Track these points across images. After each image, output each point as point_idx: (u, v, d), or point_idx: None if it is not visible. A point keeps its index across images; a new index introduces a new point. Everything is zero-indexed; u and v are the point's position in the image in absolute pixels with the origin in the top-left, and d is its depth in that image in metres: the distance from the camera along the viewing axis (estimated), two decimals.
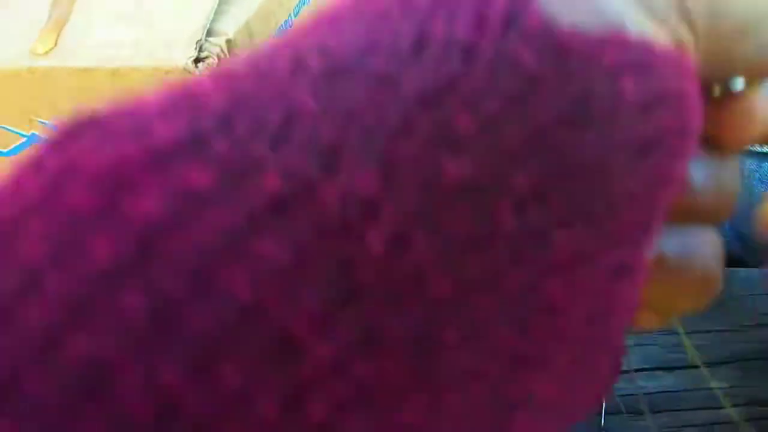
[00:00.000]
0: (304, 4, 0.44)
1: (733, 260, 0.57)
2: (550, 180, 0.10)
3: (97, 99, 0.41)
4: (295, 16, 0.43)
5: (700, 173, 0.16)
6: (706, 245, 0.17)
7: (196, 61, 0.36)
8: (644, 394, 0.52)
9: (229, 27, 0.37)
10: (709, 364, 0.53)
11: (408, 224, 0.09)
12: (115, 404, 0.09)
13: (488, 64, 0.10)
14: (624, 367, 0.57)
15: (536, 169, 0.10)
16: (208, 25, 0.36)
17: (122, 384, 0.09)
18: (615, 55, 0.10)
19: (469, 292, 0.10)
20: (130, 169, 0.10)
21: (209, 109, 0.11)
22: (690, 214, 0.16)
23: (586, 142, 0.10)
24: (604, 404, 0.51)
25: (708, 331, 0.55)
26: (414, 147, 0.09)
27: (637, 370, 0.54)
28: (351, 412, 0.09)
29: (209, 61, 0.36)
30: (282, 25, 0.41)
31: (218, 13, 0.37)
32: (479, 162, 0.10)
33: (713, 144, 0.16)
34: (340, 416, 0.09)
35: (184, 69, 0.35)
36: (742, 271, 0.61)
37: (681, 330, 0.57)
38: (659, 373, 0.54)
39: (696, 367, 0.54)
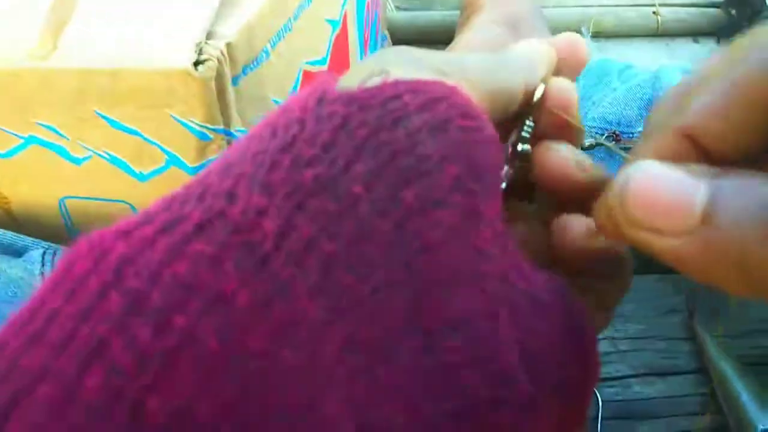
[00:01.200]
0: (304, 7, 0.44)
1: None
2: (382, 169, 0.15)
3: (97, 101, 0.40)
4: (295, 19, 0.43)
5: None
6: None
7: (196, 63, 0.36)
8: (640, 400, 0.52)
9: (230, 30, 0.37)
10: (703, 370, 0.54)
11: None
12: None
13: (314, 120, 0.16)
14: (619, 374, 0.57)
15: (371, 164, 0.15)
16: (208, 28, 0.36)
17: None
18: (393, 90, 0.16)
19: None
20: None
21: None
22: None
23: (396, 136, 0.15)
24: (600, 410, 0.51)
25: (709, 338, 0.55)
26: None
27: (632, 376, 0.54)
28: None
29: (209, 63, 0.36)
30: (282, 28, 0.41)
31: (219, 15, 0.37)
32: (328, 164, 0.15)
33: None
34: None
35: (185, 71, 0.35)
36: None
37: (677, 336, 0.57)
38: (654, 379, 0.54)
39: (691, 372, 0.54)
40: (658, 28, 0.85)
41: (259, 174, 0.14)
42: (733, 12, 0.86)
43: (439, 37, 0.79)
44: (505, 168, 0.21)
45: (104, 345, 0.12)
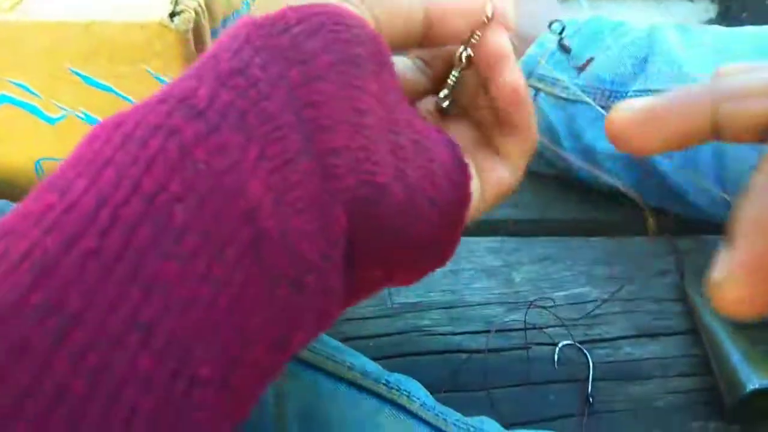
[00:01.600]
0: None
1: (721, 227, 0.57)
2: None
3: (69, 56, 0.39)
4: None
5: None
6: None
7: (172, 15, 0.34)
8: (630, 361, 0.52)
9: None
10: (694, 331, 0.53)
11: None
12: None
13: (228, 37, 0.23)
14: (610, 335, 0.57)
15: (266, 57, 0.22)
16: None
17: None
18: (281, 13, 0.23)
19: None
20: None
21: None
22: None
23: (281, 40, 0.23)
24: (591, 371, 0.51)
25: (700, 299, 0.55)
26: None
27: (623, 338, 0.54)
28: None
29: (186, 15, 0.34)
30: None
31: None
32: None
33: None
34: None
35: (160, 23, 0.34)
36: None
37: (669, 297, 0.57)
38: (645, 340, 0.54)
39: (682, 333, 0.54)
40: None
41: (193, 71, 0.22)
42: None
43: None
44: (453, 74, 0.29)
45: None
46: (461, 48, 0.28)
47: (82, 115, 0.39)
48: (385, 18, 0.26)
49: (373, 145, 0.23)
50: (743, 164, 0.49)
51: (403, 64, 0.31)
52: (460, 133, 0.30)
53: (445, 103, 0.30)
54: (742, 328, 0.53)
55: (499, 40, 0.27)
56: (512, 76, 0.27)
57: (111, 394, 0.16)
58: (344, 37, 0.23)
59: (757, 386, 0.46)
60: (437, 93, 0.30)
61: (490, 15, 0.27)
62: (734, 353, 0.49)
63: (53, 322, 0.16)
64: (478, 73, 0.29)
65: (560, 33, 0.58)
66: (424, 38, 0.27)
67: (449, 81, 0.29)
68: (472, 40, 0.27)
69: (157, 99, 0.20)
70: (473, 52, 0.28)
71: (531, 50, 0.59)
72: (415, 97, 0.31)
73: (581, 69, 0.58)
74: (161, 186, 0.18)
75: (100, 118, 0.39)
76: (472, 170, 0.28)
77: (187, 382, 0.18)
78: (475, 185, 0.28)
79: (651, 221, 0.47)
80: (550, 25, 0.59)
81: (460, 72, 0.29)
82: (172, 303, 0.18)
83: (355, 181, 0.22)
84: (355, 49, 0.23)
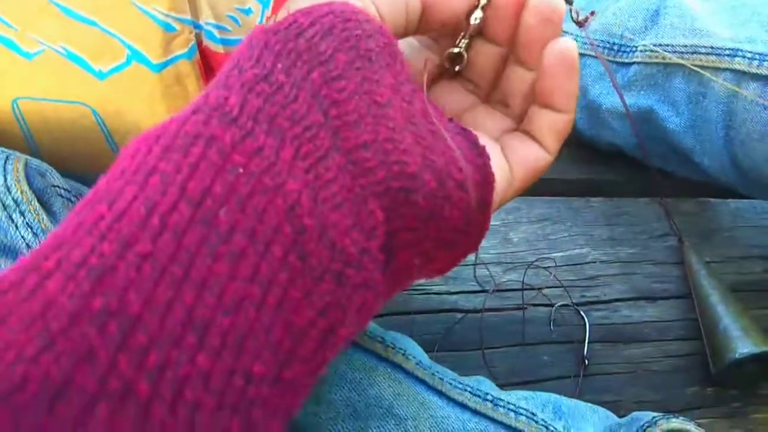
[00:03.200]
0: None
1: (724, 190, 0.56)
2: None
3: None
4: None
5: None
6: None
7: None
8: (627, 324, 0.51)
9: None
10: (693, 295, 0.52)
11: None
12: None
13: (246, 47, 0.24)
14: (607, 297, 0.56)
15: (286, 63, 0.23)
16: None
17: None
18: (291, 18, 0.24)
19: None
20: None
21: None
22: None
23: (298, 44, 0.23)
24: (587, 333, 0.50)
25: (697, 263, 0.54)
26: None
27: (620, 300, 0.53)
28: None
29: None
30: None
31: None
32: None
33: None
34: None
35: None
36: (731, 203, 0.60)
37: (668, 260, 0.56)
38: (643, 303, 0.53)
39: (680, 297, 0.53)
40: None
41: (221, 81, 0.22)
42: None
43: None
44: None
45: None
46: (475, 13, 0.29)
47: (62, 51, 0.36)
48: (386, 9, 0.27)
49: (398, 135, 0.23)
50: (754, 126, 0.47)
51: (408, 45, 0.31)
52: (484, 115, 0.31)
53: (457, 68, 0.30)
54: (738, 293, 0.52)
55: None
56: (561, 41, 0.28)
57: (174, 393, 0.17)
58: (356, 34, 0.24)
59: (744, 353, 0.46)
60: (452, 64, 0.31)
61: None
62: (724, 318, 0.48)
63: (114, 326, 0.17)
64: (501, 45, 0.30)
65: None
66: (423, 23, 0.28)
67: (458, 43, 0.30)
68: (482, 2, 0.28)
69: (191, 110, 0.21)
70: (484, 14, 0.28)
71: None
72: (429, 74, 0.31)
73: (581, 24, 0.55)
74: (205, 190, 0.19)
75: (81, 54, 0.36)
76: (498, 152, 0.29)
77: (243, 379, 0.18)
78: (502, 167, 0.29)
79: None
80: None
81: (469, 36, 0.29)
82: (224, 303, 0.18)
83: (387, 174, 0.23)
84: (367, 44, 0.24)
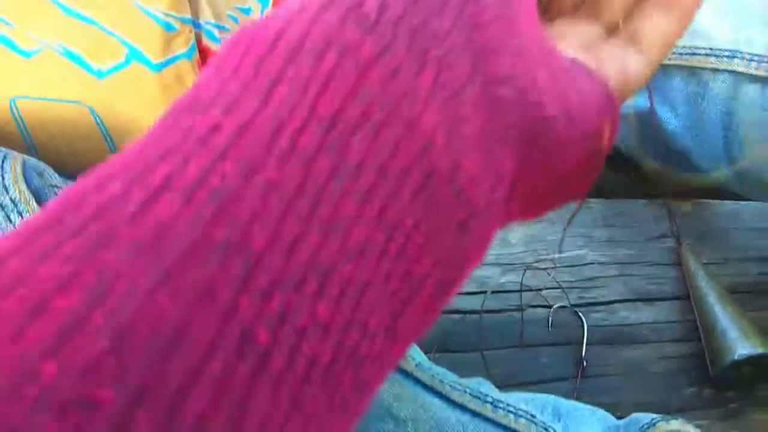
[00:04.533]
0: None
1: (720, 192, 0.56)
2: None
3: None
4: None
5: None
6: None
7: None
8: (625, 325, 0.51)
9: None
10: (690, 296, 0.53)
11: None
12: None
13: None
14: (605, 299, 0.55)
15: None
16: None
17: None
18: None
19: None
20: None
21: None
22: None
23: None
24: (585, 334, 0.50)
25: (694, 264, 0.54)
26: None
27: (618, 302, 0.53)
28: None
29: None
30: None
31: None
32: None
33: None
34: None
35: None
36: (729, 204, 0.60)
37: (666, 261, 0.56)
38: (640, 304, 0.53)
39: (678, 299, 0.53)
40: None
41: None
42: None
43: None
44: None
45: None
46: None
47: (61, 49, 0.36)
48: None
49: (536, 72, 0.20)
50: (752, 127, 0.47)
51: None
52: (567, 25, 0.28)
53: None
54: (736, 294, 0.52)
55: None
56: None
57: (293, 344, 0.15)
58: None
59: (743, 354, 0.46)
60: None
61: None
62: (723, 319, 0.48)
63: (238, 263, 0.14)
64: None
65: None
66: None
67: None
68: None
69: (320, 3, 0.18)
70: None
71: None
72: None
73: None
74: (338, 112, 0.17)
75: (80, 53, 0.36)
76: (591, 64, 0.26)
77: (359, 333, 0.17)
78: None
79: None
80: None
81: None
82: (348, 247, 0.16)
83: (523, 116, 0.20)
84: None
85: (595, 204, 0.59)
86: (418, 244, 0.18)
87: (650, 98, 0.52)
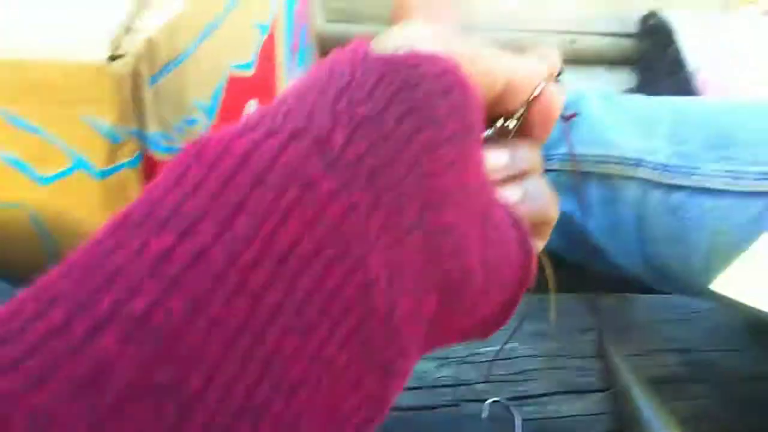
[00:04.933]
0: (231, 8, 0.42)
1: (639, 287, 0.60)
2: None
3: None
4: (221, 20, 0.41)
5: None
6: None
7: (112, 58, 0.33)
8: (557, 418, 0.53)
9: (151, 25, 0.34)
10: (616, 389, 0.55)
11: None
12: None
13: (361, 72, 0.21)
14: (536, 392, 0.57)
15: (398, 111, 0.20)
16: (127, 22, 0.34)
17: None
18: (415, 60, 0.21)
19: None
20: None
21: None
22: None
23: (416, 95, 0.21)
24: (519, 430, 0.51)
25: (617, 356, 0.57)
26: None
27: (549, 394, 0.55)
28: None
29: (126, 59, 0.33)
30: (207, 27, 0.39)
31: (140, 9, 0.34)
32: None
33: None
34: None
35: (98, 67, 0.33)
36: (648, 298, 0.64)
37: (593, 354, 0.59)
38: (570, 397, 0.55)
39: (604, 390, 0.56)
40: (576, 55, 0.88)
41: (327, 105, 0.20)
42: (646, 42, 0.90)
43: None
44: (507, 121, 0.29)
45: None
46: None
47: (2, 156, 0.36)
48: (484, 81, 0.24)
49: (471, 224, 0.22)
50: (660, 229, 0.52)
51: None
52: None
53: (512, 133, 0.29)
54: (657, 385, 0.55)
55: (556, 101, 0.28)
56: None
57: None
58: (469, 104, 0.22)
59: None
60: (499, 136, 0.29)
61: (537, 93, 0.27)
62: (645, 410, 0.51)
63: (172, 407, 0.15)
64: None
65: None
66: (496, 103, 0.26)
67: (514, 118, 0.29)
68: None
69: (290, 131, 0.18)
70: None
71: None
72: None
73: (566, 119, 0.59)
74: (292, 246, 0.17)
75: (26, 162, 0.37)
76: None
77: None
78: None
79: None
80: None
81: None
82: (283, 384, 0.16)
83: (453, 266, 0.21)
84: (473, 116, 0.22)
85: (524, 297, 0.62)
86: (350, 382, 0.18)
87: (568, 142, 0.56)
